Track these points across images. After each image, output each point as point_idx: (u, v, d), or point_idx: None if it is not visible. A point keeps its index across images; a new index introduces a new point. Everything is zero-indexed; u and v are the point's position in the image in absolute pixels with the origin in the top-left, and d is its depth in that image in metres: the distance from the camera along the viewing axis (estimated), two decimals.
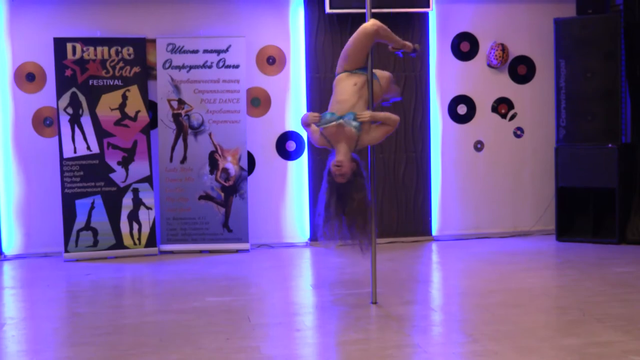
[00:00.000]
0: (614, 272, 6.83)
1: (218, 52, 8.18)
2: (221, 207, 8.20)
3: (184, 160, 8.18)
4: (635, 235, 8.15)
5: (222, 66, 8.18)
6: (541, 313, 5.59)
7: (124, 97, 8.03)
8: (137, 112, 8.05)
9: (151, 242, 8.10)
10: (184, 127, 8.17)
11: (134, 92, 8.05)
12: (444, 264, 7.71)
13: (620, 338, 4.86)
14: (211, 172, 8.19)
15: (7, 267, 7.71)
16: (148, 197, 8.09)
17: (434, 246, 8.39)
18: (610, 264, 7.17)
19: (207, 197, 8.20)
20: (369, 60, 5.72)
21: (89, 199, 7.95)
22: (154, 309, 5.91)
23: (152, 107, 8.20)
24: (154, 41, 8.18)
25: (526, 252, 7.92)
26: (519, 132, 8.94)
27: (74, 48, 7.92)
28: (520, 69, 8.90)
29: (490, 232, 8.87)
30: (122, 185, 8.02)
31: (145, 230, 8.08)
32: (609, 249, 7.93)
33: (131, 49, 8.04)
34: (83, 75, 7.94)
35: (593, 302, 5.73)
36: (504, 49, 8.70)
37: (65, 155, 7.90)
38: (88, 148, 7.95)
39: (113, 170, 8.00)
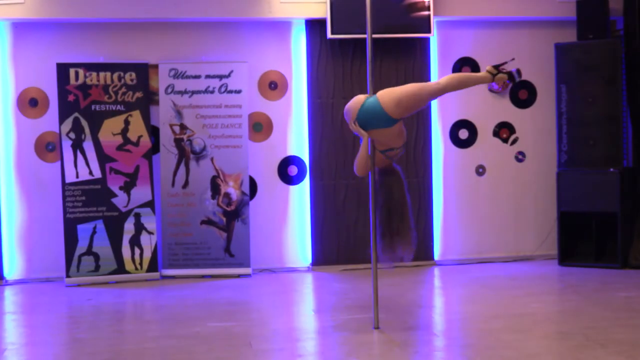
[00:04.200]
0: (617, 297, 6.80)
1: (220, 77, 8.21)
2: (223, 232, 8.20)
3: (185, 185, 8.19)
4: (638, 260, 8.12)
5: (224, 91, 8.21)
6: (544, 338, 5.56)
7: (126, 122, 8.05)
8: (139, 137, 8.07)
9: (153, 267, 8.09)
10: (186, 152, 8.19)
11: (136, 117, 8.08)
12: (446, 288, 7.69)
13: None
14: (213, 197, 8.19)
15: (9, 292, 7.69)
16: (150, 222, 8.08)
17: (436, 271, 8.37)
18: (613, 289, 7.15)
19: (209, 222, 8.20)
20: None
21: (91, 224, 7.95)
22: (156, 335, 5.89)
23: (154, 132, 8.22)
24: (156, 66, 8.22)
25: (528, 277, 7.89)
26: (520, 157, 8.95)
27: (76, 73, 7.95)
28: (522, 94, 8.92)
29: (493, 257, 8.85)
30: (124, 210, 8.03)
31: (147, 255, 8.07)
32: (612, 273, 7.91)
33: (134, 75, 8.08)
34: (86, 101, 7.97)
35: (596, 327, 5.71)
36: None
37: (68, 180, 7.90)
38: (90, 173, 7.96)
39: (115, 195, 8.00)
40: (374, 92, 5.77)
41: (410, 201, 5.86)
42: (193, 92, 8.20)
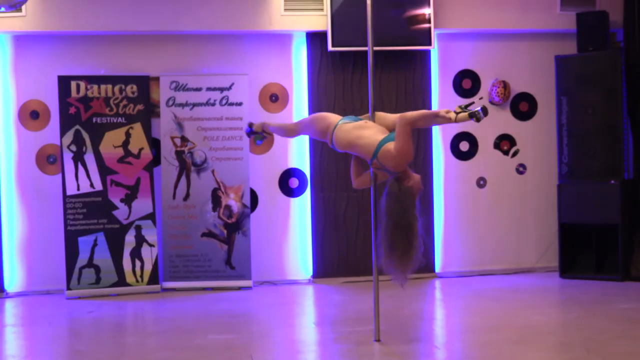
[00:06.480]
0: (618, 309, 6.80)
1: (221, 89, 8.23)
2: (224, 244, 8.20)
3: (186, 197, 8.19)
4: (639, 272, 8.12)
5: (225, 104, 8.22)
6: (545, 351, 5.55)
7: (127, 135, 8.07)
8: (141, 149, 8.08)
9: (154, 279, 8.08)
10: (187, 164, 8.20)
11: (137, 129, 8.09)
12: (447, 301, 7.69)
13: None
14: (214, 209, 8.20)
15: (9, 304, 7.68)
16: (151, 234, 8.08)
17: (437, 283, 8.36)
18: (614, 301, 7.14)
19: (209, 234, 8.20)
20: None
21: (92, 236, 7.95)
22: (156, 347, 5.88)
23: (155, 144, 8.23)
24: (157, 79, 8.24)
25: (529, 289, 7.89)
26: (521, 169, 8.95)
27: (78, 86, 7.97)
28: (522, 106, 8.93)
29: (493, 269, 8.84)
30: (124, 222, 8.03)
31: (148, 267, 8.07)
32: (613, 285, 7.90)
33: (135, 87, 8.09)
34: (87, 113, 7.98)
35: (597, 339, 5.70)
36: (505, 86, 8.75)
37: (69, 193, 7.91)
38: (91, 185, 7.96)
39: (116, 208, 8.01)
40: (375, 104, 5.78)
41: (420, 223, 5.63)
42: (194, 105, 8.21)
